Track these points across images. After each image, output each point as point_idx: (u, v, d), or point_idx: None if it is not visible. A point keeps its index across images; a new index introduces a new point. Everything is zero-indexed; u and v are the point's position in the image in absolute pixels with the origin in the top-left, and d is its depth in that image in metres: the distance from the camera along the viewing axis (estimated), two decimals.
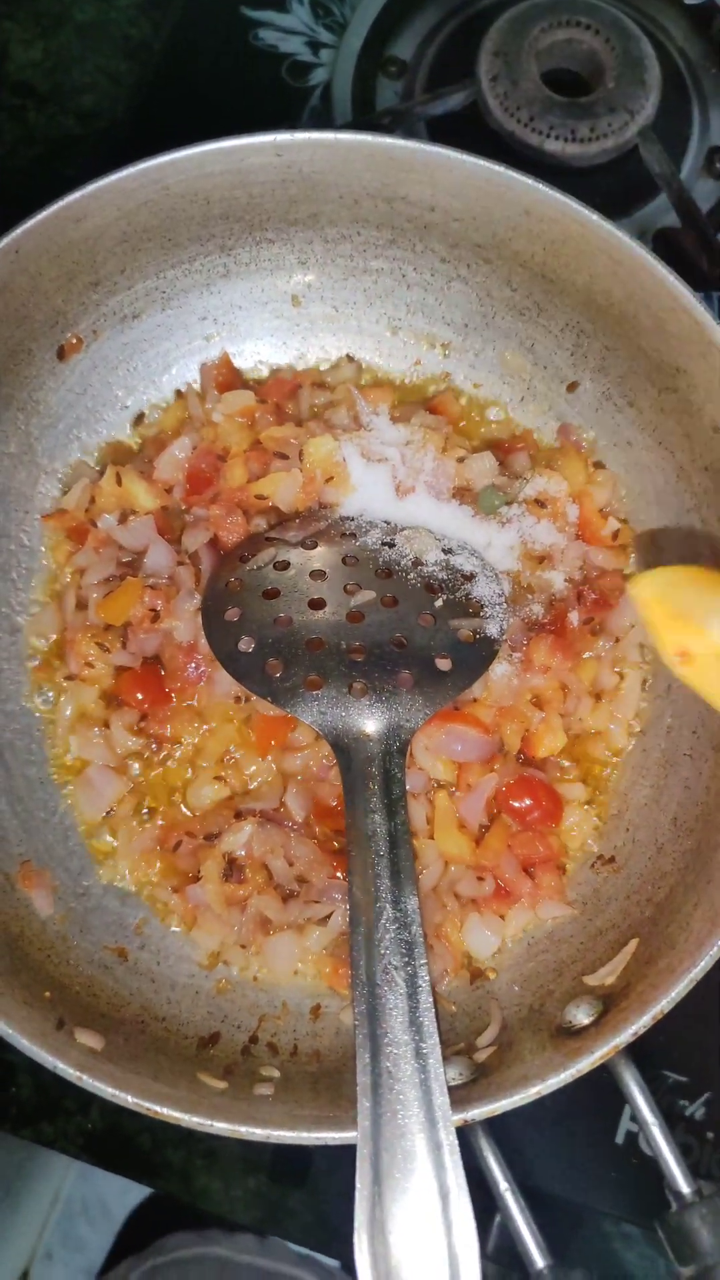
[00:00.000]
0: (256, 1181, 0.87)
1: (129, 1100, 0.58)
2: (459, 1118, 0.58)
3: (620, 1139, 0.82)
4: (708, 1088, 0.82)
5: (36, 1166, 1.41)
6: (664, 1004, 0.60)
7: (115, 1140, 0.87)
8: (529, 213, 0.72)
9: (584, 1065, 0.59)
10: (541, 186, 0.70)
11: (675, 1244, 0.58)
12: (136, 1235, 1.34)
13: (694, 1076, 0.82)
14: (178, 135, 0.71)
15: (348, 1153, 0.57)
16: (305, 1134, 0.59)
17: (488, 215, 0.74)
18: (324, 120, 1.05)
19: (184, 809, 0.76)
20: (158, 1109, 0.58)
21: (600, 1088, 0.81)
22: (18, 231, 0.67)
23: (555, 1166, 0.81)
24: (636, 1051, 0.74)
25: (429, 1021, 0.59)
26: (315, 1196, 0.86)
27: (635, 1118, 0.62)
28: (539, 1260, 0.59)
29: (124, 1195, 1.51)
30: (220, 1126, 0.58)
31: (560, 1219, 0.83)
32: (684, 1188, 0.58)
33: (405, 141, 0.71)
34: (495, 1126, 0.78)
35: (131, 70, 1.13)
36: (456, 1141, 0.56)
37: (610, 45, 1.01)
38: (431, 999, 0.60)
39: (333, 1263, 1.00)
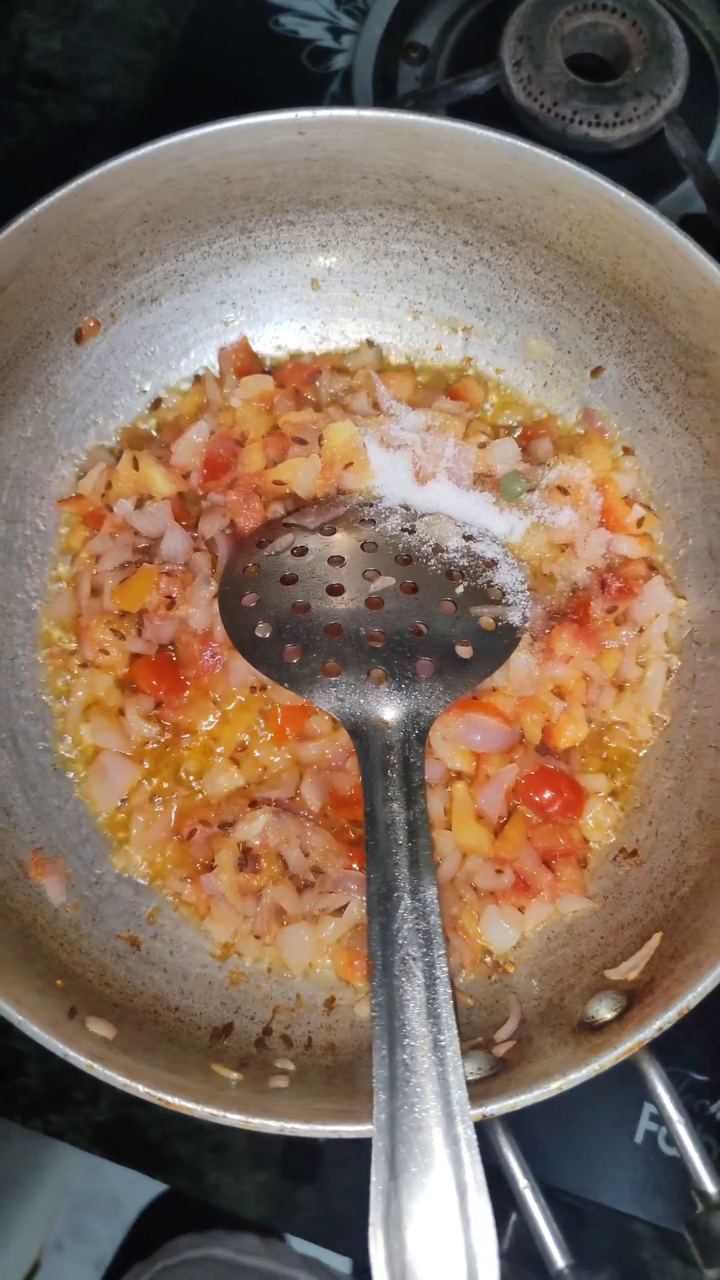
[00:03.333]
0: (266, 1176, 0.86)
1: (140, 1090, 0.57)
2: (478, 1112, 0.57)
3: (639, 1138, 0.80)
4: None
5: (47, 1159, 1.40)
6: (690, 999, 0.58)
7: (124, 1132, 0.86)
8: (556, 191, 0.71)
9: (607, 1061, 0.58)
10: (570, 163, 0.68)
11: (703, 1246, 0.56)
12: (147, 1233, 1.34)
13: (716, 1077, 0.80)
14: (197, 121, 0.70)
15: (358, 1148, 0.56)
16: (321, 1127, 0.58)
17: (513, 195, 0.73)
18: (346, 107, 1.04)
19: (199, 797, 0.75)
20: (171, 1100, 0.57)
21: (619, 1086, 0.80)
22: (37, 209, 0.67)
23: (572, 1165, 0.79)
24: (660, 1051, 0.73)
25: (447, 1014, 0.58)
26: (325, 1192, 0.85)
27: (660, 1116, 0.60)
28: (559, 1260, 0.57)
29: (134, 1189, 1.51)
30: (234, 1118, 0.57)
31: (577, 1218, 0.81)
32: (710, 1188, 0.57)
33: (431, 119, 0.69)
34: (512, 1124, 0.76)
35: (149, 60, 1.12)
36: (475, 1137, 0.55)
37: (637, 29, 1.00)
38: (450, 991, 0.59)
39: (342, 1260, 0.99)
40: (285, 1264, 0.96)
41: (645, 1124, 0.81)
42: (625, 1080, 0.67)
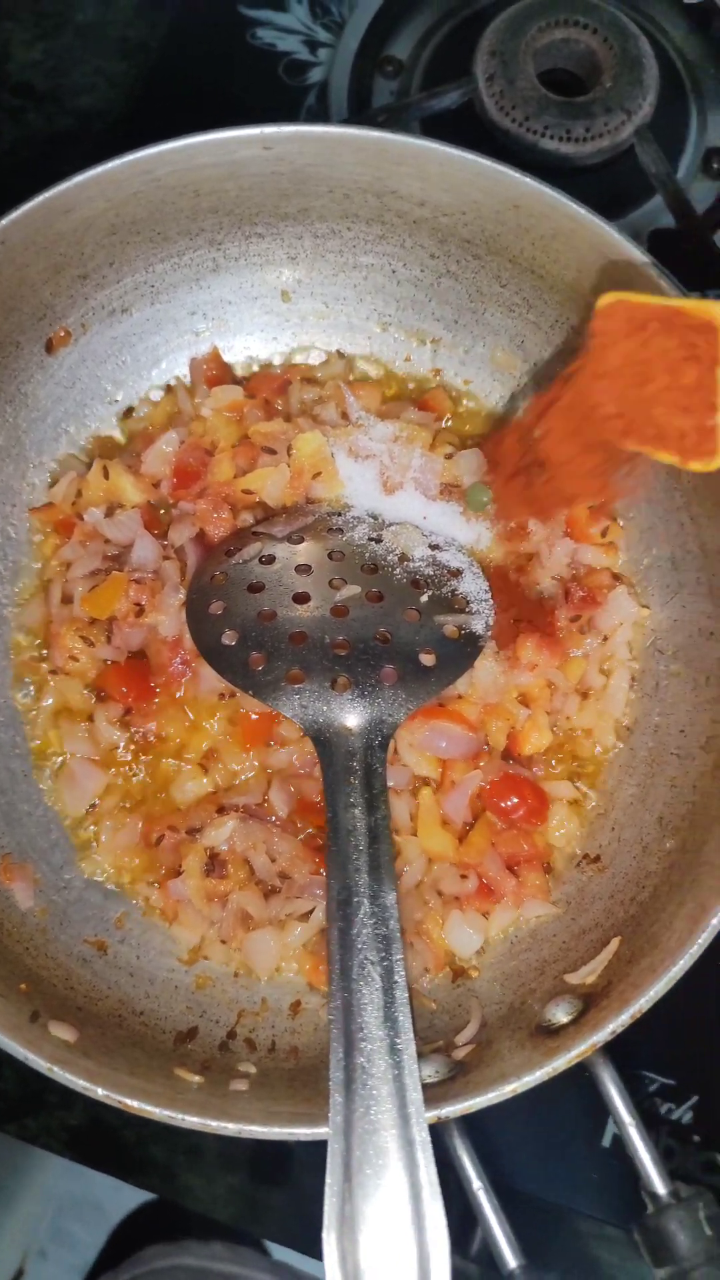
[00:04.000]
0: (238, 1179, 0.86)
1: (99, 1093, 0.58)
2: (432, 1114, 0.58)
3: (607, 1142, 0.81)
4: (695, 1091, 0.81)
5: (30, 1164, 1.40)
6: (643, 1003, 0.59)
7: (98, 1136, 0.87)
8: (518, 207, 0.72)
9: (560, 1063, 0.58)
10: (530, 180, 0.69)
11: (651, 1246, 0.57)
12: (128, 1242, 1.34)
13: (681, 1080, 0.81)
14: (173, 134, 0.71)
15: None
16: (279, 1129, 0.58)
17: (476, 210, 0.74)
18: (320, 119, 1.05)
19: (166, 803, 0.76)
20: (129, 1102, 0.58)
21: (587, 1091, 0.81)
22: (4, 222, 0.67)
23: (540, 1170, 0.80)
24: (623, 1055, 0.74)
25: (404, 1017, 0.58)
26: (297, 1195, 0.85)
27: (613, 1120, 0.61)
28: (511, 1260, 0.58)
29: (117, 1194, 1.51)
30: (192, 1121, 0.58)
31: (544, 1222, 0.82)
32: (660, 1189, 0.58)
33: (395, 135, 0.71)
34: (482, 1130, 0.77)
35: (130, 71, 1.13)
36: (429, 1139, 0.56)
37: (608, 45, 1.01)
38: (408, 994, 0.59)
39: (315, 1264, 0.99)
40: (256, 1269, 0.97)
41: (612, 1129, 0.81)
42: (593, 1085, 0.68)
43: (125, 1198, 1.49)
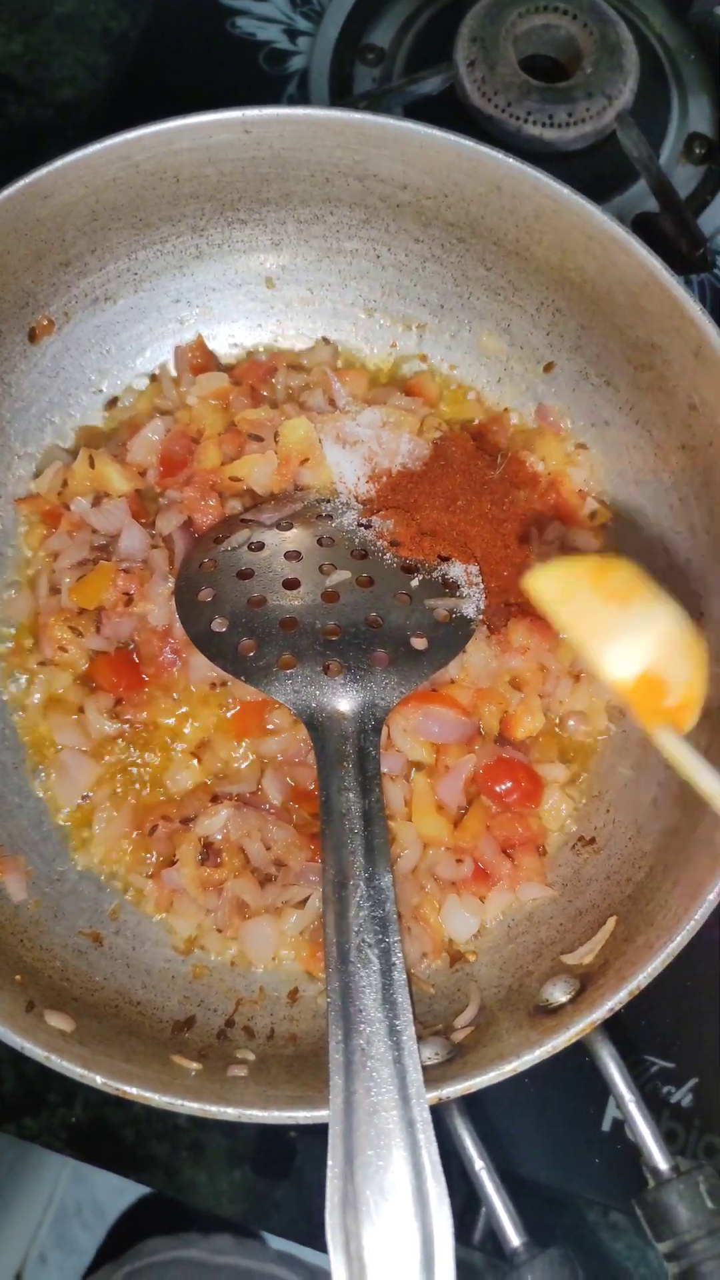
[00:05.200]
0: (241, 1174, 0.86)
1: (98, 1081, 0.57)
2: (433, 1095, 0.57)
3: (607, 1126, 0.81)
4: (695, 1074, 0.81)
5: (29, 1167, 1.39)
6: (640, 980, 0.59)
7: (99, 1133, 0.86)
8: (500, 188, 0.72)
9: (559, 1042, 0.58)
10: (513, 161, 0.69)
11: (652, 1220, 0.57)
12: (125, 1238, 1.33)
13: (681, 1062, 0.81)
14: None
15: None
16: (278, 1113, 0.58)
17: (459, 192, 0.74)
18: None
19: (160, 793, 0.76)
20: (127, 1089, 0.57)
21: (588, 1075, 0.81)
22: None
23: (542, 1155, 0.80)
24: (624, 1037, 0.74)
25: (403, 998, 0.58)
26: (300, 1189, 0.85)
27: (614, 1096, 0.61)
28: (514, 1239, 0.58)
29: (119, 1197, 1.50)
30: (191, 1106, 0.57)
31: (546, 1206, 0.82)
32: (661, 1164, 0.57)
33: (374, 116, 0.70)
34: (483, 1115, 0.77)
35: (110, 63, 1.13)
36: (430, 1119, 0.56)
37: (588, 30, 1.01)
38: (406, 976, 0.59)
39: (320, 1257, 0.99)
40: (260, 1260, 0.96)
41: (612, 1111, 0.81)
42: (594, 1070, 0.67)
43: (127, 1200, 1.48)
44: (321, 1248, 0.90)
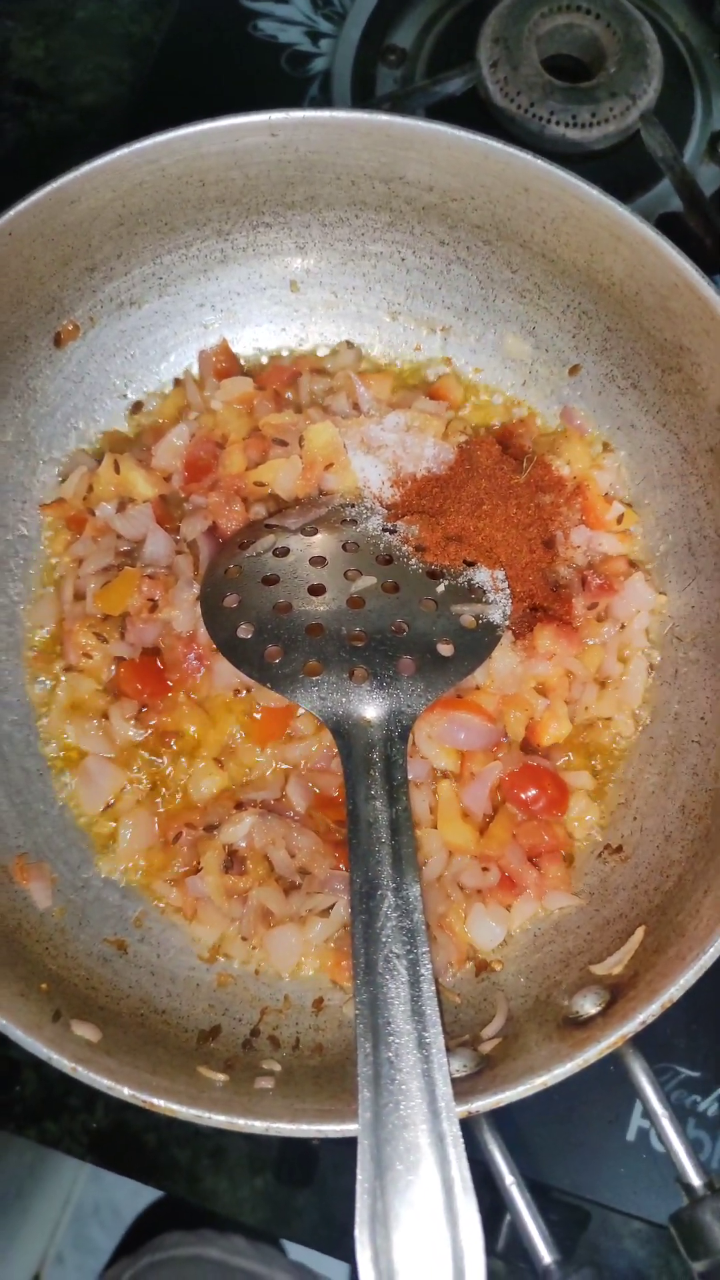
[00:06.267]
0: (263, 1182, 0.85)
1: (125, 1093, 0.57)
2: (463, 1109, 0.57)
3: (632, 1136, 0.80)
4: None
5: (47, 1169, 1.40)
6: (673, 992, 0.58)
7: (121, 1139, 0.86)
8: (528, 190, 0.71)
9: (591, 1055, 0.58)
10: (540, 162, 0.69)
11: (687, 1239, 0.56)
12: (141, 1237, 1.33)
13: (706, 1072, 0.80)
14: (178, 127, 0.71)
15: (355, 1152, 0.56)
16: (306, 1126, 0.58)
17: (486, 194, 0.73)
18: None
19: (184, 800, 0.75)
20: (155, 1102, 0.57)
21: (611, 1084, 0.80)
22: (11, 213, 0.67)
23: (566, 1164, 0.79)
24: (647, 1046, 0.73)
25: (432, 1010, 0.58)
26: (322, 1197, 0.85)
27: (646, 1111, 0.60)
28: (546, 1256, 0.57)
29: (135, 1198, 1.50)
30: (219, 1119, 0.57)
31: (572, 1216, 0.81)
32: (695, 1180, 0.57)
33: (402, 118, 0.70)
34: (504, 1123, 0.76)
35: (133, 67, 1.13)
36: (460, 1133, 0.55)
37: (611, 30, 1.00)
38: (434, 988, 0.59)
39: (340, 1266, 0.98)
40: (274, 1268, 0.96)
41: (637, 1121, 0.80)
42: (618, 1078, 0.67)
43: (145, 1202, 1.48)
44: (344, 1256, 0.90)
